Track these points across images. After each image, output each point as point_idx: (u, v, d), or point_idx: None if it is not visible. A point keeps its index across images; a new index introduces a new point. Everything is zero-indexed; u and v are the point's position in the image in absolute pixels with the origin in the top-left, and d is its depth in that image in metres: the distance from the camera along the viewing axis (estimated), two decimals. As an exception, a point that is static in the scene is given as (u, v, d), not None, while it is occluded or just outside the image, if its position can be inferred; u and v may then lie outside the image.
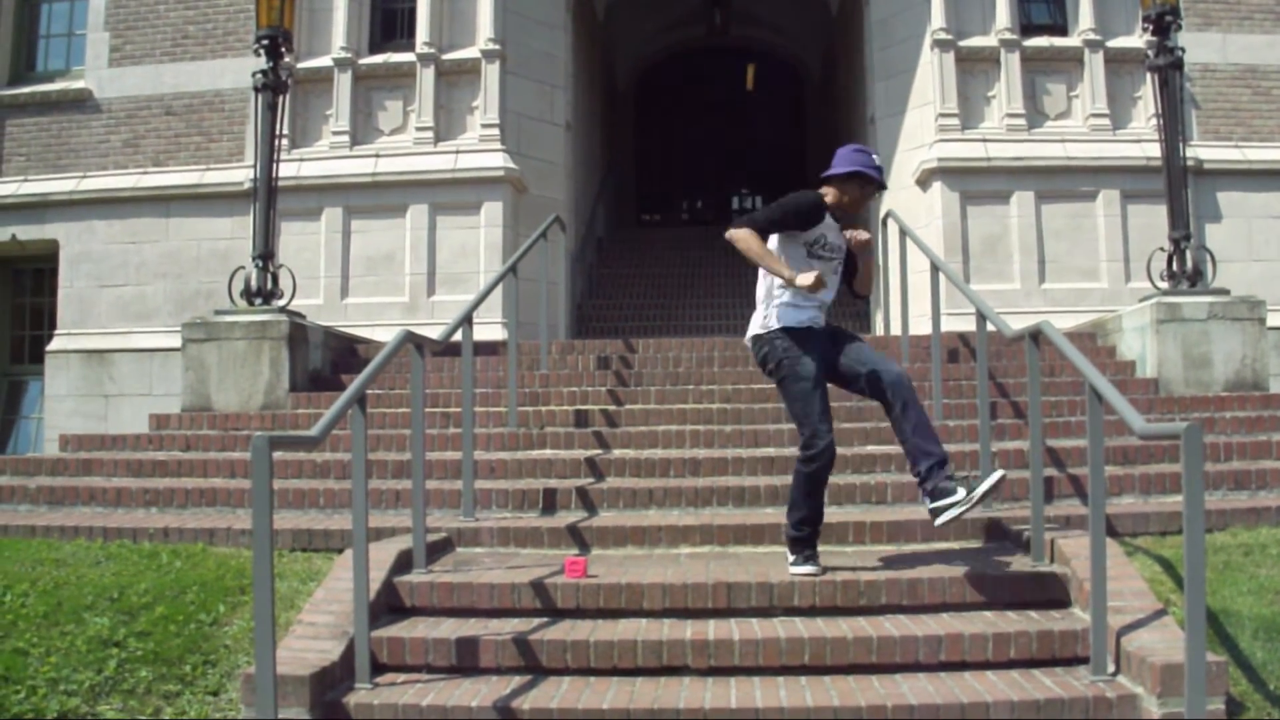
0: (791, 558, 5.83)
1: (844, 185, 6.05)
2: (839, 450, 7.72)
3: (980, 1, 12.50)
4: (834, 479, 7.25)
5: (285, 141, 11.38)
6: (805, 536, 5.84)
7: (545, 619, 5.48)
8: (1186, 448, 3.96)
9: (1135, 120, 12.32)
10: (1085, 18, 12.36)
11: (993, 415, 7.64)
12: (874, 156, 6.11)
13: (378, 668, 5.12)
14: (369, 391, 5.30)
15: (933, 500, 5.71)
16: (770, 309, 6.02)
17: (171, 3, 13.09)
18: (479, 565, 6.21)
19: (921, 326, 10.00)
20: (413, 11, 12.76)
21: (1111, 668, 4.84)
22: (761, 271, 6.04)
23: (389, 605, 5.66)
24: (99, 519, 7.44)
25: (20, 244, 13.02)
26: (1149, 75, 10.03)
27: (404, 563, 5.97)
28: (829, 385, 6.00)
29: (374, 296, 12.24)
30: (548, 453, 8.15)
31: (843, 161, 6.04)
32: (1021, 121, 12.24)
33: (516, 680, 5.00)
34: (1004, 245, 12.00)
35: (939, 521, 5.70)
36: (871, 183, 6.07)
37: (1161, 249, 9.72)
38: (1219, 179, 12.04)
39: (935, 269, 8.82)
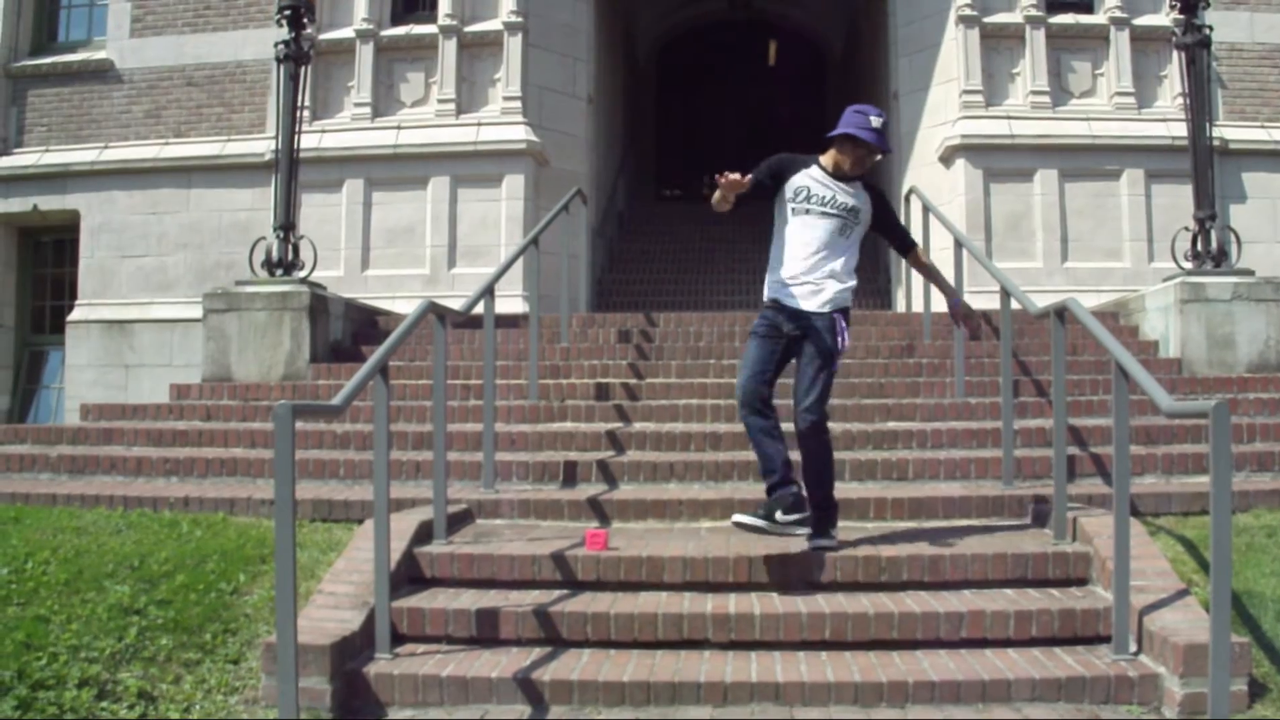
0: None
1: (840, 147, 5.92)
2: (860, 426, 7.74)
3: (1006, -23, 12.41)
4: (855, 455, 7.28)
5: (307, 113, 11.37)
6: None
7: (566, 591, 5.48)
8: (1215, 425, 3.93)
9: (1161, 99, 12.22)
10: (1112, -6, 12.26)
11: (1015, 393, 7.60)
12: (871, 117, 5.84)
13: (398, 638, 5.14)
14: (390, 363, 5.29)
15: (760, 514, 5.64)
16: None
17: (193, -28, 13.10)
18: (499, 537, 6.21)
19: (943, 304, 9.94)
20: (435, -17, 12.75)
21: (1133, 647, 4.83)
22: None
23: (409, 576, 5.67)
24: (120, 488, 7.47)
25: (42, 214, 13.06)
26: (1175, 54, 9.96)
27: (424, 534, 5.97)
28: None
29: (394, 268, 12.24)
30: (568, 425, 8.14)
31: (841, 124, 5.90)
32: (1046, 99, 12.15)
33: (537, 652, 5.01)
34: (1027, 223, 11.93)
35: (734, 519, 5.67)
36: (862, 144, 5.84)
37: (1186, 229, 9.64)
38: (1244, 159, 11.94)
39: (959, 245, 8.77)
